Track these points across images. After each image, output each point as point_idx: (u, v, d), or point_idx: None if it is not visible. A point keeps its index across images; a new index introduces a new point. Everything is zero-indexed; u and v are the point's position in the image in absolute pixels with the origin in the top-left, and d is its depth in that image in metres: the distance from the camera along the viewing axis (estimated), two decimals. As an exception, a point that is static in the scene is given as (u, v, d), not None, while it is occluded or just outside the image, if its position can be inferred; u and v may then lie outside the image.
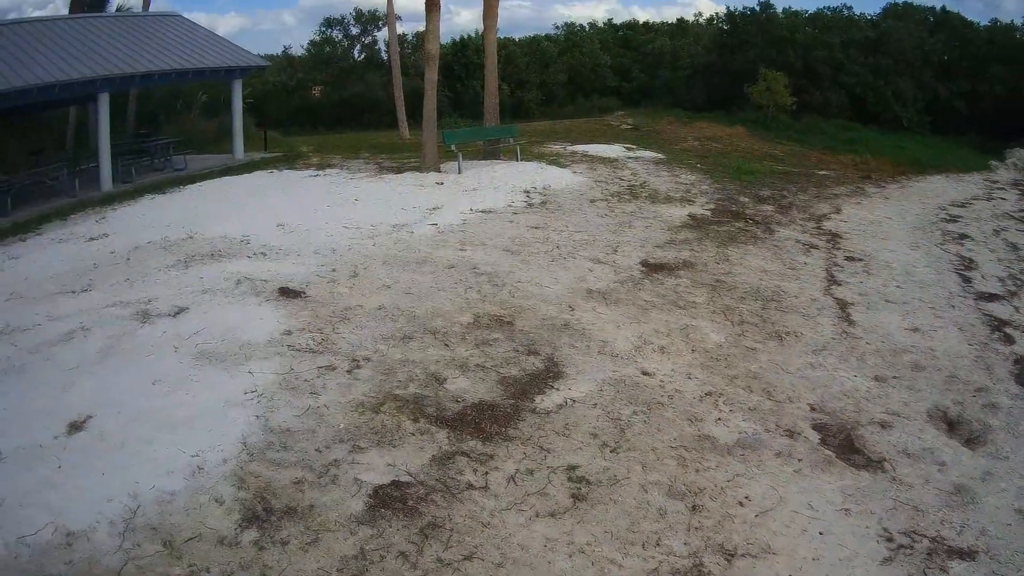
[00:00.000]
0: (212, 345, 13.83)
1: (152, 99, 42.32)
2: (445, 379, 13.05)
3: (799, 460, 11.59)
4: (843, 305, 18.14)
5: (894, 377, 14.58)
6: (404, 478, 10.43)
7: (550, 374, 13.49)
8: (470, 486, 10.41)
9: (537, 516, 9.86)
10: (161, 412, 11.62)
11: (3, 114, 28.31)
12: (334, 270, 17.93)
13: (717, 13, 68.15)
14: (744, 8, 54.38)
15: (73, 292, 16.76)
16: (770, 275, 19.78)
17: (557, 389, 12.98)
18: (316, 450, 10.89)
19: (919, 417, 13.18)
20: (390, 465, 10.64)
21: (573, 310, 16.31)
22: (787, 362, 14.90)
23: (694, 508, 10.26)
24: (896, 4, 57.01)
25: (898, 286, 19.70)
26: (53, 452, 10.62)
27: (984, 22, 58.53)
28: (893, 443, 12.29)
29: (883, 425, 12.79)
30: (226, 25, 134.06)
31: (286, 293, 16.35)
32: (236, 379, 12.65)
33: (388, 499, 9.96)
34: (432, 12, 30.04)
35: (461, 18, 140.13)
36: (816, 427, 12.65)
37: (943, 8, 56.79)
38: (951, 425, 13.09)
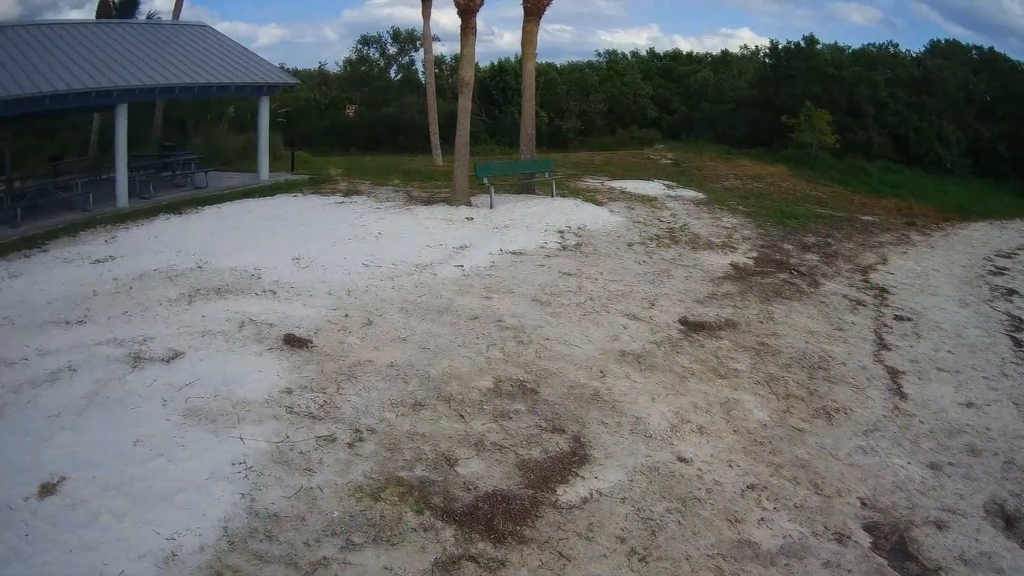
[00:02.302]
0: (204, 401, 12.60)
1: (181, 107, 41.64)
2: (457, 460, 11.62)
3: (849, 572, 10.18)
4: (894, 374, 16.80)
5: (949, 464, 13.25)
6: (401, 587, 9.02)
7: (575, 457, 12.04)
8: (476, 601, 8.99)
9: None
10: (140, 481, 10.43)
11: (22, 119, 27.40)
12: (347, 315, 16.66)
13: (759, 45, 66.84)
14: (788, 42, 53.26)
15: (68, 323, 15.74)
16: (817, 337, 18.42)
17: (583, 477, 11.53)
18: (304, 543, 9.53)
19: (976, 513, 11.85)
20: (386, 569, 9.22)
21: (604, 376, 14.89)
22: (836, 446, 13.50)
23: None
24: (940, 42, 56.09)
25: (949, 351, 18.45)
26: (22, 517, 9.63)
27: (1032, 61, 57.29)
28: (949, 547, 10.96)
29: (939, 525, 11.44)
30: (266, 36, 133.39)
31: (292, 342, 15.06)
32: (225, 445, 11.39)
33: (380, 615, 8.56)
34: (467, 37, 28.92)
35: (504, 41, 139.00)
36: (867, 527, 11.27)
37: (991, 49, 55.81)
38: (1009, 522, 11.77)
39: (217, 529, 9.59)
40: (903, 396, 15.75)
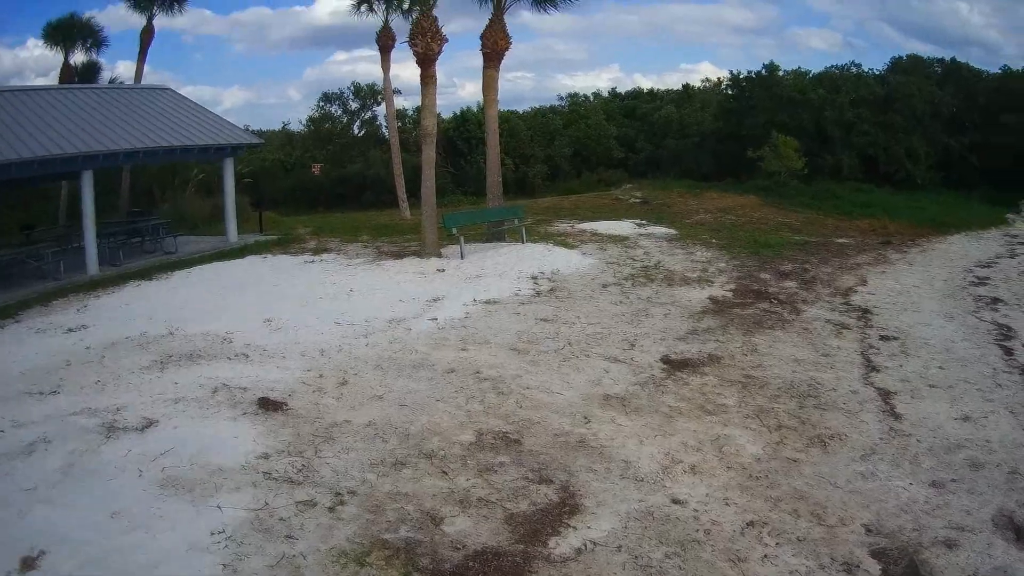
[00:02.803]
0: (180, 470, 12.20)
1: (147, 173, 41.48)
2: (442, 519, 11.18)
3: (861, 605, 9.72)
4: (885, 395, 16.46)
5: (952, 480, 12.85)
6: (392, 667, 8.63)
7: (565, 508, 11.62)
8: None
9: None
10: (118, 555, 10.01)
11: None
12: (321, 376, 16.32)
13: (721, 77, 67.11)
14: (749, 71, 53.44)
15: (41, 393, 15.47)
16: (803, 364, 18.11)
17: (574, 528, 11.10)
18: (290, 615, 9.10)
19: (985, 528, 11.44)
20: (374, 645, 8.82)
21: (589, 422, 14.52)
22: (834, 474, 13.09)
23: None
24: (902, 58, 56.41)
25: (940, 367, 18.13)
26: None
27: (993, 70, 57.63)
28: (962, 566, 10.53)
29: (948, 544, 11.01)
30: (231, 99, 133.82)
31: (266, 405, 14.68)
32: (203, 515, 10.96)
33: None
34: (427, 86, 28.82)
35: (466, 91, 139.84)
36: (875, 554, 10.81)
37: (953, 59, 56.17)
38: (1019, 533, 11.38)
39: (199, 606, 9.14)
40: (897, 417, 15.40)
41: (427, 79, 28.82)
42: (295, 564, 9.97)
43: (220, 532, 10.54)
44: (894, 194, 45.81)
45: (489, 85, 31.27)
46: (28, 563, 9.81)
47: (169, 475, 12.02)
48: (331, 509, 11.28)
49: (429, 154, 29.08)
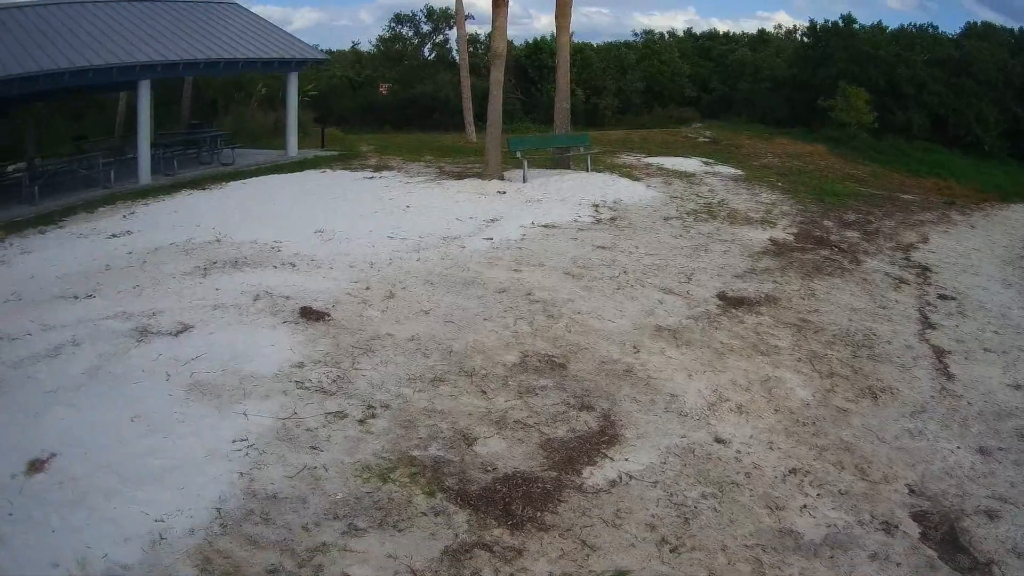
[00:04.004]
0: (210, 375, 11.86)
1: (211, 86, 41.21)
2: (476, 439, 10.75)
3: (897, 565, 9.24)
4: (940, 354, 15.83)
5: (999, 449, 12.30)
6: (405, 576, 8.21)
7: (604, 437, 11.14)
8: (488, 593, 8.15)
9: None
10: (133, 459, 9.70)
11: (45, 96, 26.99)
12: (368, 288, 15.86)
13: (797, 25, 65.73)
14: (826, 21, 52.23)
15: (76, 297, 15.16)
16: (860, 314, 17.46)
17: (611, 459, 10.62)
18: (303, 527, 8.73)
19: (1028, 502, 10.90)
20: (390, 557, 8.39)
21: (638, 352, 13.97)
22: (883, 428, 12.56)
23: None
24: (977, 24, 55.05)
25: (995, 332, 17.46)
26: (8, 496, 8.97)
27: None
28: (1001, 539, 10.02)
29: (990, 515, 10.50)
30: (301, 19, 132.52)
31: (308, 315, 14.28)
32: (227, 422, 10.64)
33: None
34: (499, 7, 28.09)
35: (540, 23, 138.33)
36: (916, 517, 10.32)
37: (1021, 30, 54.38)
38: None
39: (210, 511, 8.84)
40: (950, 377, 14.81)
41: (499, 1, 28.16)
42: (316, 476, 9.62)
43: (242, 440, 10.22)
44: (961, 158, 44.80)
45: (561, 12, 30.50)
46: (35, 466, 9.56)
47: (198, 380, 11.71)
48: (361, 422, 10.90)
49: (497, 76, 28.43)
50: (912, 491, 10.92)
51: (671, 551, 8.99)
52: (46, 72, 22.61)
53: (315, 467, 9.78)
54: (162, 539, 8.34)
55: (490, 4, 28.77)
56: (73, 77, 23.57)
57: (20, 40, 23.97)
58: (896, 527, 10.03)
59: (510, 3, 28.81)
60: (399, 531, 8.83)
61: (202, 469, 9.57)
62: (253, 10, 35.02)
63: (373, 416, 11.07)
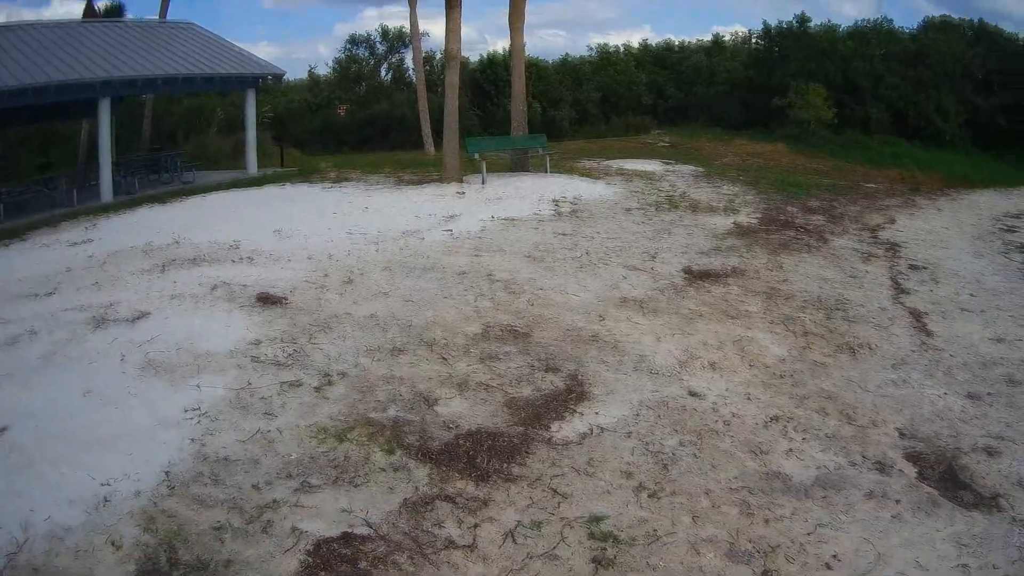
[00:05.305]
0: (164, 355, 11.56)
1: (171, 114, 41.10)
2: (436, 400, 10.46)
3: (896, 502, 9.05)
4: (916, 315, 15.80)
5: (988, 394, 12.22)
6: (360, 529, 7.89)
7: (572, 395, 10.86)
8: (450, 543, 7.84)
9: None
10: (84, 429, 9.49)
11: (7, 118, 26.70)
12: (326, 275, 15.55)
13: (751, 31, 66.01)
14: (780, 22, 52.49)
15: (36, 295, 14.86)
16: (831, 283, 17.38)
17: (581, 414, 10.34)
18: (253, 486, 8.46)
19: (1028, 440, 10.74)
20: (344, 511, 8.11)
21: (603, 320, 13.71)
22: (864, 378, 12.43)
23: (765, 575, 7.65)
24: (934, 18, 55.46)
25: (971, 295, 17.50)
26: None
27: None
28: (1004, 473, 9.85)
29: (989, 452, 10.37)
30: (260, 53, 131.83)
31: (265, 300, 13.95)
32: (180, 394, 10.37)
33: (332, 558, 7.43)
34: (452, 10, 27.88)
35: (496, 48, 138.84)
36: (910, 457, 10.17)
37: (983, 21, 55.11)
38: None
39: (158, 474, 8.58)
40: (929, 334, 14.73)
41: (452, 2, 27.94)
42: (269, 439, 9.34)
43: (194, 409, 9.96)
44: (924, 150, 45.08)
45: (515, 13, 30.21)
46: (-12, 438, 9.26)
47: (152, 359, 11.43)
48: (317, 389, 10.63)
49: (452, 79, 28.19)
50: (903, 434, 10.80)
51: (650, 496, 8.74)
52: (9, 89, 22.38)
53: (268, 431, 9.49)
54: (107, 501, 8.09)
55: (443, 28, 28.62)
56: (36, 94, 23.38)
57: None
58: (891, 466, 9.88)
59: (465, 30, 28.71)
60: (355, 486, 8.56)
61: (152, 436, 9.33)
62: (210, 39, 34.94)
63: (330, 384, 10.79)
